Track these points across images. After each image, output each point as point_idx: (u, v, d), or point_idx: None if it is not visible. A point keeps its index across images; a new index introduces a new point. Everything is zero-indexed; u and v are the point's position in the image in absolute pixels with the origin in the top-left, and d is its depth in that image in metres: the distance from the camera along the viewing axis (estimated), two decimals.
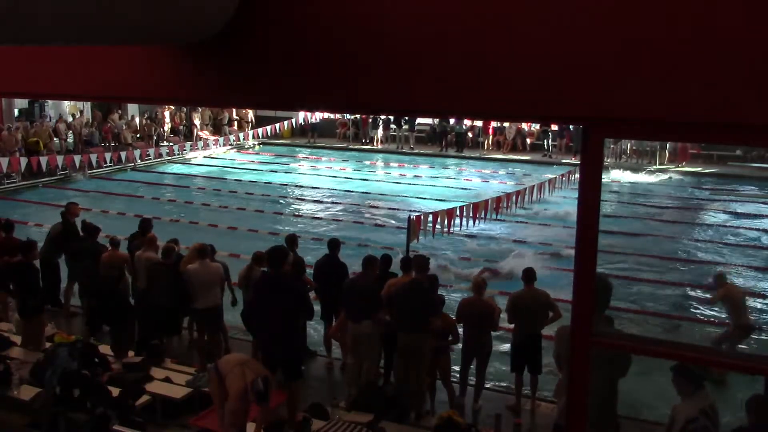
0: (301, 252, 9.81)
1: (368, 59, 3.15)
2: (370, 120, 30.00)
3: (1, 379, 7.37)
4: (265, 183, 22.65)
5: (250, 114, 32.27)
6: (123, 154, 24.12)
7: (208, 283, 8.70)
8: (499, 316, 8.36)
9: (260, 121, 30.95)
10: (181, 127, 30.60)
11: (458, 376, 8.46)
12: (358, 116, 29.48)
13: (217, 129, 31.48)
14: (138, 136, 28.18)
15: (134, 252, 9.70)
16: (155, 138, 28.19)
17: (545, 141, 28.09)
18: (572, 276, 2.98)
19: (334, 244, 9.45)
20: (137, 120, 29.00)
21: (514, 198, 17.19)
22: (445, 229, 14.16)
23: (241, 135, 30.23)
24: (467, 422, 7.19)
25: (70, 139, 26.56)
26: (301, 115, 30.35)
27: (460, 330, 8.18)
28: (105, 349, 8.54)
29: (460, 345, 8.26)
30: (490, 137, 29.37)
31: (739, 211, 19.38)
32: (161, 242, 9.59)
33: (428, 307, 7.72)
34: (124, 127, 27.60)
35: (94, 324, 9.25)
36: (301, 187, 22.06)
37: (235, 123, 31.97)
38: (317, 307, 9.17)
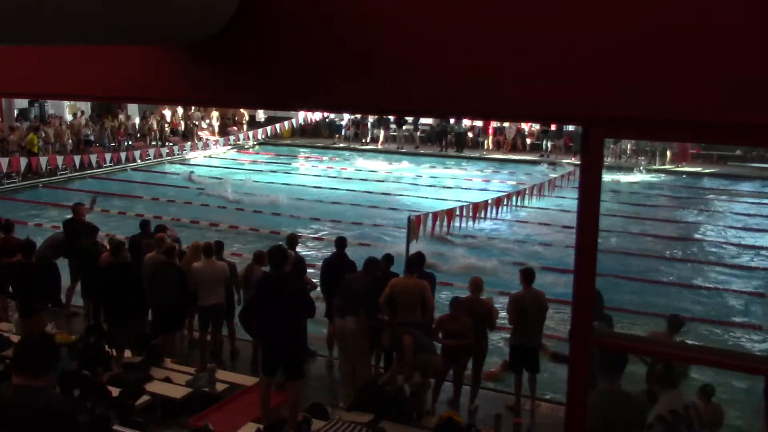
0: (300, 251, 9.82)
1: (368, 59, 3.15)
2: (371, 120, 30.02)
3: (1, 379, 7.35)
4: (266, 183, 22.66)
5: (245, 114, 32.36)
6: (123, 155, 24.13)
7: (212, 282, 8.75)
8: (497, 316, 8.35)
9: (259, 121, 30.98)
10: (179, 128, 30.58)
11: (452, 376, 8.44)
12: (358, 116, 29.49)
13: (222, 130, 31.48)
14: (138, 135, 28.16)
15: (137, 252, 9.68)
16: (154, 138, 28.18)
17: (544, 141, 28.08)
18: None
19: (341, 242, 9.43)
20: (137, 120, 29.00)
21: (514, 198, 17.21)
22: (444, 230, 14.19)
23: (240, 135, 30.23)
24: (467, 422, 7.20)
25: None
26: (301, 115, 30.36)
27: None
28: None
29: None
30: (490, 137, 29.39)
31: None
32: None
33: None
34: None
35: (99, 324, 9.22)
36: (301, 186, 22.05)
37: (244, 123, 31.99)
38: (323, 306, 9.19)
